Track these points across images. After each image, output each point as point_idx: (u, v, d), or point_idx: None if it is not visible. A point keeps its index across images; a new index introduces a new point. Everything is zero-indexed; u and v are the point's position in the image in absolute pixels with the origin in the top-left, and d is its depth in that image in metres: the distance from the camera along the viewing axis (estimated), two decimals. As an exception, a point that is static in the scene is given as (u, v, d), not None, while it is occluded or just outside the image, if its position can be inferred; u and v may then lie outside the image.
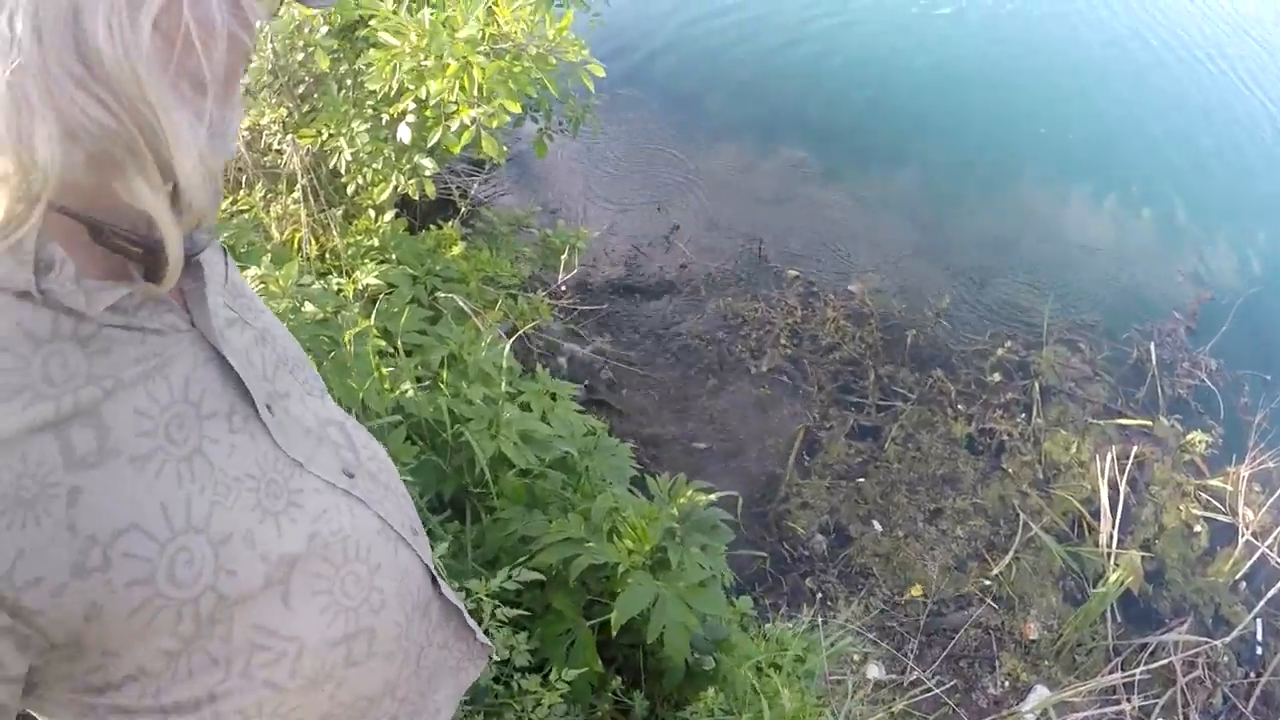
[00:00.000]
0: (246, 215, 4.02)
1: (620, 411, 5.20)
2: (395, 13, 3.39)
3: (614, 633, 2.63)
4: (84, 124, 0.73)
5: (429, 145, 3.62)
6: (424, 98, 3.43)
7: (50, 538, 0.78)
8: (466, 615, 1.39)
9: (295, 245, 3.95)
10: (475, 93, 3.34)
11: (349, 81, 3.96)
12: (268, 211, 4.13)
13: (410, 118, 3.66)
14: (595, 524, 2.83)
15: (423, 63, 3.36)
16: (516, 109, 3.42)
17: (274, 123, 4.02)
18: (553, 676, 2.49)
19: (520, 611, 2.48)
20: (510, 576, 2.47)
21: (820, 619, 4.06)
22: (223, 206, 3.83)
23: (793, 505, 4.90)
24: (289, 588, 0.99)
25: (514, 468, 3.09)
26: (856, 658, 4.12)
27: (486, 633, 2.38)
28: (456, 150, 3.57)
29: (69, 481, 0.79)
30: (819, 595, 4.48)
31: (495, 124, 3.42)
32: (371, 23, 3.48)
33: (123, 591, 0.83)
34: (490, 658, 1.45)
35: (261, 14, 0.88)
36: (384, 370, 3.04)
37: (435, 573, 1.29)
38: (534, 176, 6.86)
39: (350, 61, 3.91)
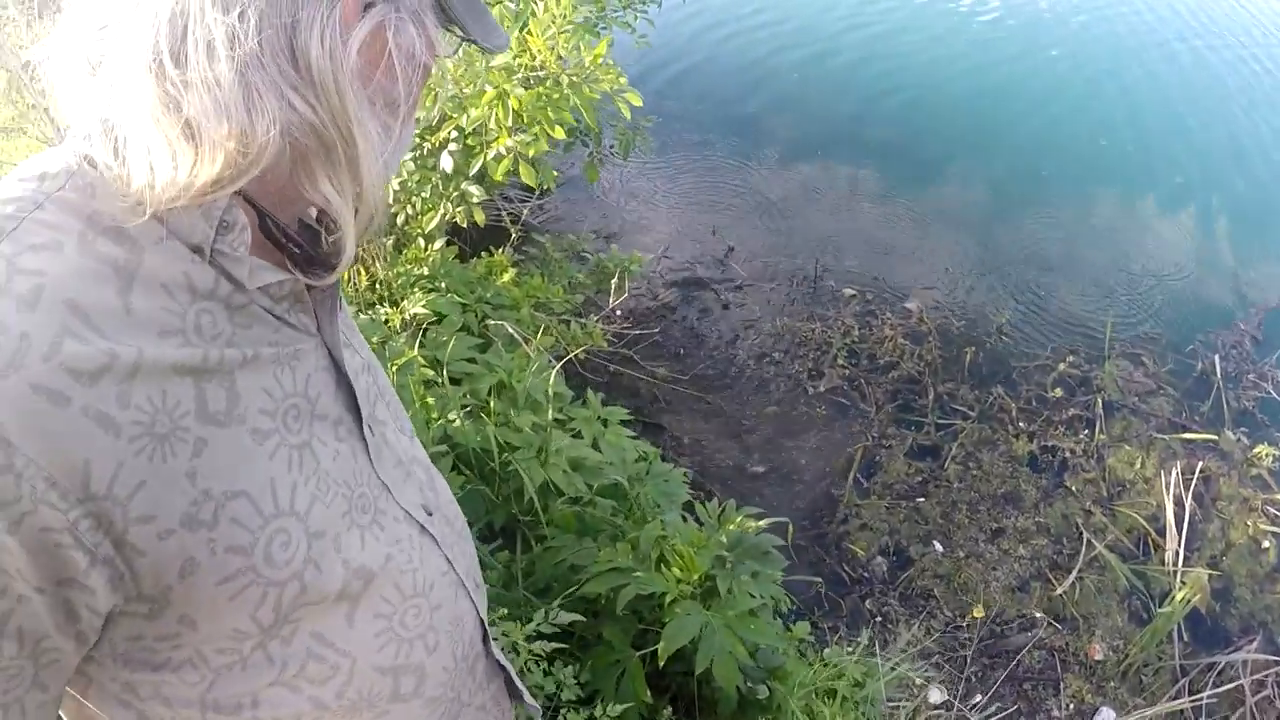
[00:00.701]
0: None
1: (675, 435, 5.17)
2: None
3: (661, 663, 2.61)
4: (291, 119, 0.81)
5: (472, 173, 3.63)
6: (464, 126, 3.45)
7: (170, 479, 0.81)
8: (515, 676, 1.40)
9: (344, 276, 3.98)
10: (512, 121, 3.35)
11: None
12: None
13: (452, 146, 3.67)
14: (643, 553, 2.81)
15: (463, 90, 3.38)
16: (559, 135, 3.42)
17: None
18: (599, 712, 2.46)
19: (557, 645, 2.46)
20: (547, 619, 2.45)
21: (879, 642, 4.01)
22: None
23: (852, 526, 4.84)
24: (357, 604, 1.01)
25: (563, 495, 3.08)
26: (919, 681, 4.06)
27: (523, 671, 2.36)
28: (499, 178, 3.59)
29: (197, 431, 0.83)
30: (878, 618, 4.42)
31: (533, 152, 3.42)
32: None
33: (221, 555, 0.86)
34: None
35: (445, 50, 0.99)
36: (429, 400, 3.04)
37: (486, 630, 1.31)
38: (587, 200, 6.88)
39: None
